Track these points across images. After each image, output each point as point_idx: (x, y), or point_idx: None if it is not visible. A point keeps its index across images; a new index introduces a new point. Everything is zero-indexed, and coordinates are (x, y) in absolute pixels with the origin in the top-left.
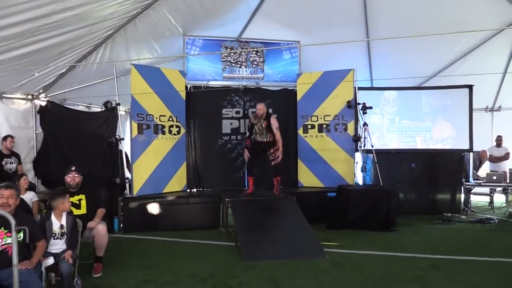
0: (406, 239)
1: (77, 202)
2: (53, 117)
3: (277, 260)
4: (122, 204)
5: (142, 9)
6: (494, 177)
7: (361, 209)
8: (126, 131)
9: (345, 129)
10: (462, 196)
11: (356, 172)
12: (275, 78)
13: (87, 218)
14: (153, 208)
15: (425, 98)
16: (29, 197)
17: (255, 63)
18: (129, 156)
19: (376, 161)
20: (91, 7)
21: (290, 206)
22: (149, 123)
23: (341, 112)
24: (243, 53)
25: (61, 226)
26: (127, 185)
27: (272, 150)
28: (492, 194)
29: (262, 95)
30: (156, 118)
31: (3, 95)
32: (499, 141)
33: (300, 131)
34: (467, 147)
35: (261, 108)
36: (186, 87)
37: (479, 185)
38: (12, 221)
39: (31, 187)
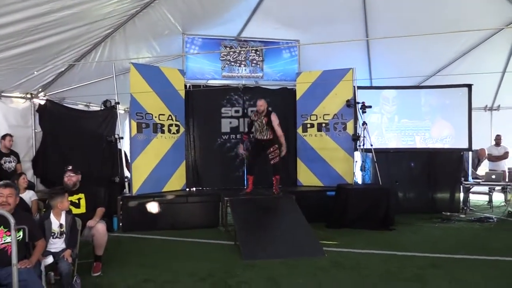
0: (405, 238)
1: (76, 201)
2: (52, 116)
3: (276, 259)
4: (121, 203)
5: (141, 7)
6: (493, 176)
7: (360, 208)
8: (125, 130)
9: (344, 128)
10: (461, 195)
11: (355, 171)
12: (275, 77)
13: (86, 217)
14: (153, 207)
15: (424, 97)
16: (28, 196)
17: (255, 62)
18: (128, 155)
19: (375, 160)
20: (90, 6)
21: (289, 205)
22: (148, 122)
23: (340, 111)
24: (242, 52)
25: (60, 225)
26: (126, 184)
27: (271, 149)
28: (491, 193)
29: (262, 94)
30: (156, 117)
31: (2, 94)
32: (498, 140)
33: (300, 130)
34: (466, 146)
35: (261, 104)
36: (186, 86)
37: (478, 184)
38: (12, 220)
39: (30, 186)
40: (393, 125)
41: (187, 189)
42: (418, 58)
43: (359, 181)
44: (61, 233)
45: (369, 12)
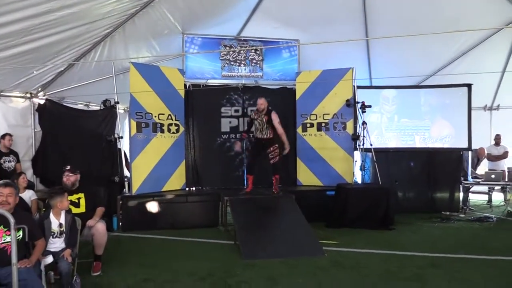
0: (405, 238)
1: (76, 200)
2: (51, 115)
3: (276, 258)
4: (121, 202)
5: (141, 7)
6: (493, 176)
7: (360, 207)
8: (125, 129)
9: (344, 128)
10: (461, 195)
11: (355, 171)
12: (274, 76)
13: (86, 216)
14: (152, 206)
15: (424, 97)
16: (28, 195)
17: (254, 61)
18: (127, 154)
19: (375, 159)
20: (90, 5)
21: (289, 204)
22: (148, 122)
23: (340, 110)
24: (242, 51)
25: (60, 225)
26: (126, 183)
27: (271, 149)
28: (490, 193)
29: (261, 93)
30: (155, 116)
31: (1, 93)
32: (497, 139)
33: (299, 130)
34: (465, 145)
35: (262, 102)
36: (185, 85)
37: (478, 183)
38: (11, 220)
39: (30, 186)
40: (392, 125)
41: (187, 189)
42: (418, 58)
43: (359, 181)
44: (61, 233)
45: (369, 11)
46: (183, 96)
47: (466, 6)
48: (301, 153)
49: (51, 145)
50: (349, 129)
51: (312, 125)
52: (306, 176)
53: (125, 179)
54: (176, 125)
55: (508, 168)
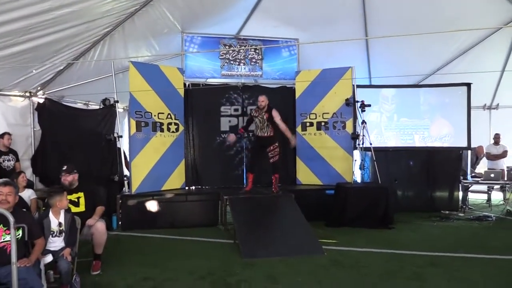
0: (404, 237)
1: (76, 200)
2: (51, 114)
3: (276, 257)
4: (120, 201)
5: (141, 6)
6: (492, 175)
7: (359, 206)
8: (124, 128)
9: (344, 127)
10: (460, 194)
11: (355, 170)
12: (274, 75)
13: (85, 216)
14: (152, 205)
15: (423, 96)
16: (27, 194)
17: (254, 60)
18: (127, 153)
19: (374, 158)
20: (89, 4)
21: (288, 203)
22: (147, 121)
23: (339, 110)
24: (241, 50)
25: (59, 224)
26: (125, 182)
27: (271, 148)
28: (489, 192)
29: (261, 92)
30: (155, 115)
31: (1, 92)
32: (497, 139)
33: (299, 129)
34: (465, 145)
35: (263, 100)
36: (185, 84)
37: (477, 182)
38: (11, 219)
39: (29, 185)
40: (392, 124)
41: (187, 188)
42: (417, 57)
43: (358, 180)
44: (60, 232)
45: (369, 11)
46: (183, 95)
47: (465, 5)
48: (300, 152)
49: (51, 144)
50: (349, 128)
51: (311, 124)
52: (305, 175)
53: (125, 178)
54: (175, 124)
55: (507, 167)
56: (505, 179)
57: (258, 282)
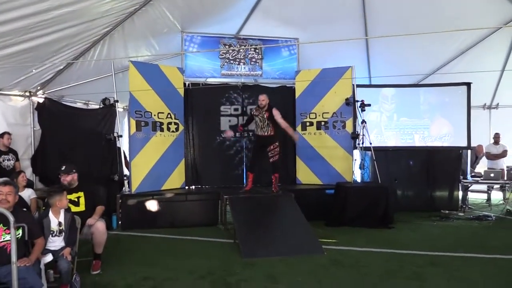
0: (404, 236)
1: (76, 199)
2: (51, 114)
3: (276, 257)
4: (120, 201)
5: (140, 5)
6: (492, 175)
7: (359, 206)
8: (124, 128)
9: (344, 127)
10: (460, 193)
11: (355, 170)
12: (274, 75)
13: (85, 215)
14: (152, 205)
15: (423, 96)
16: (27, 194)
17: (254, 60)
18: (126, 153)
19: (374, 158)
20: (88, 4)
21: (288, 203)
22: (147, 120)
23: (339, 109)
24: (241, 50)
25: (59, 223)
26: (125, 182)
27: (272, 147)
28: (489, 192)
29: (261, 92)
30: (155, 115)
31: (1, 92)
32: (496, 138)
33: (299, 129)
34: (465, 144)
35: (263, 98)
36: (185, 84)
37: (477, 182)
38: (11, 218)
39: (29, 184)
40: (392, 123)
41: (186, 187)
42: (417, 57)
43: (358, 180)
44: (60, 231)
45: (368, 10)
46: (183, 95)
47: (465, 5)
48: (300, 151)
49: (50, 143)
50: (349, 128)
51: (311, 123)
52: (305, 175)
53: (125, 178)
54: (175, 123)
55: (507, 167)
56: (505, 178)
57: (258, 281)
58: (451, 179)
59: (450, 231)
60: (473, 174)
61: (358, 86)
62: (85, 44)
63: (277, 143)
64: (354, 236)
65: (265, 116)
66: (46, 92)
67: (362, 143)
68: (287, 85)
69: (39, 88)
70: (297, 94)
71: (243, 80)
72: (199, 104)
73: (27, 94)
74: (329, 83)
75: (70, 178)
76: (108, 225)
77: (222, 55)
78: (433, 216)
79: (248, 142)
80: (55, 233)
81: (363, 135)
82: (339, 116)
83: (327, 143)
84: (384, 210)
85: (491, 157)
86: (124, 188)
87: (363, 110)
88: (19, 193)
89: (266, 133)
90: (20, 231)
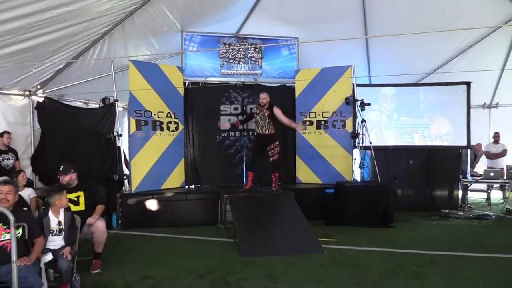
0: (404, 235)
1: (75, 199)
2: (50, 113)
3: (276, 256)
4: (120, 200)
5: (140, 4)
6: (492, 174)
7: (359, 205)
8: (124, 127)
9: (343, 126)
10: (460, 193)
11: (354, 169)
12: (273, 74)
13: (85, 214)
14: (152, 204)
15: (423, 95)
16: (27, 193)
17: (253, 59)
18: (126, 152)
19: (374, 157)
20: (88, 3)
21: (288, 202)
22: (147, 120)
23: (339, 108)
24: (241, 49)
25: (59, 223)
26: (125, 181)
27: (272, 146)
28: (489, 191)
29: (260, 91)
30: (154, 114)
31: (0, 91)
32: (496, 137)
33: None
34: (464, 143)
35: (264, 97)
36: (184, 83)
37: (477, 181)
38: (11, 218)
39: (29, 184)
40: (392, 123)
41: (186, 187)
42: (417, 56)
43: (358, 179)
44: (60, 231)
45: (368, 9)
46: (182, 94)
47: (465, 4)
48: (300, 151)
49: (50, 143)
50: (348, 127)
51: (311, 123)
52: (305, 174)
53: (124, 177)
54: (175, 123)
55: (507, 166)
56: (505, 178)
57: (258, 281)
58: (451, 178)
59: (450, 230)
60: (471, 173)
61: (358, 85)
62: (85, 43)
63: (277, 142)
64: (354, 235)
65: (265, 115)
66: (45, 92)
67: (362, 142)
68: (287, 84)
69: (38, 87)
70: (297, 93)
71: (243, 79)
72: (199, 103)
73: (27, 93)
74: (329, 82)
75: (68, 178)
76: (108, 224)
77: (222, 54)
78: (433, 215)
79: (248, 141)
80: (55, 232)
81: (363, 134)
82: (339, 115)
83: (327, 142)
84: (384, 209)
85: (491, 156)
86: (124, 187)
87: (363, 109)
88: (19, 193)
89: (266, 132)
90: (20, 230)
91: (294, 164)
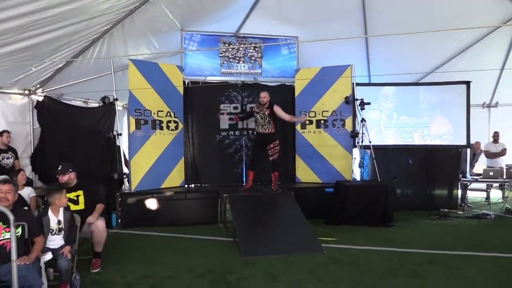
0: (404, 235)
1: (75, 198)
2: (50, 112)
3: (275, 255)
4: (120, 199)
5: (140, 3)
6: (491, 173)
7: (359, 204)
8: (123, 126)
9: (343, 125)
10: (459, 192)
11: (354, 168)
12: (273, 73)
13: (85, 214)
14: (151, 203)
15: (423, 94)
16: (27, 192)
17: (253, 58)
18: (126, 151)
19: (373, 156)
20: (88, 2)
21: (288, 201)
22: (147, 119)
23: (339, 108)
24: (241, 48)
25: (59, 222)
26: (125, 180)
27: (272, 145)
28: (488, 190)
29: (260, 90)
30: (154, 113)
31: (0, 90)
32: (496, 137)
33: (298, 127)
34: (464, 143)
35: (265, 96)
36: (184, 82)
37: (476, 180)
38: (11, 217)
39: (29, 183)
40: (391, 122)
41: (186, 186)
42: (417, 55)
43: (358, 178)
44: (60, 230)
45: (368, 9)
46: (182, 93)
47: (465, 4)
48: (300, 150)
49: (50, 142)
50: (348, 126)
51: (311, 122)
52: (305, 173)
53: (124, 176)
54: (175, 122)
55: (506, 165)
56: (504, 177)
57: (257, 280)
58: (450, 178)
59: (450, 229)
60: (470, 173)
61: (357, 84)
62: (85, 42)
63: (277, 142)
64: (354, 234)
65: (266, 114)
66: (45, 91)
67: (362, 142)
68: (287, 84)
69: (38, 86)
70: (297, 92)
71: (243, 78)
72: (199, 102)
73: (27, 92)
74: (328, 82)
75: (67, 178)
76: (107, 224)
77: (222, 54)
78: (433, 215)
79: (248, 141)
80: (54, 231)
81: (363, 133)
82: (338, 114)
83: (326, 142)
84: (384, 208)
85: (490, 155)
86: (123, 186)
87: (362, 109)
88: (19, 192)
89: (267, 131)
90: (20, 230)
91: (293, 164)
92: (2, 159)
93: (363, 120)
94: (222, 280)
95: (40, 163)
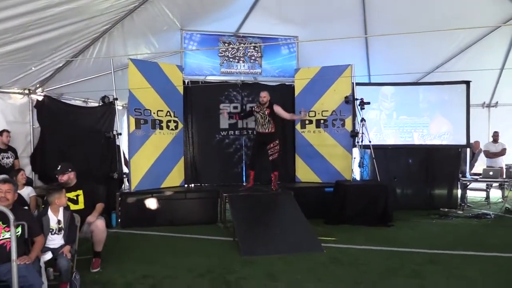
0: (404, 234)
1: (75, 197)
2: (50, 112)
3: (275, 255)
4: (120, 199)
5: (140, 3)
6: (491, 173)
7: (358, 204)
8: (123, 126)
9: (343, 125)
10: (459, 192)
11: (354, 168)
12: (273, 73)
13: (85, 213)
14: (151, 203)
15: (422, 94)
16: (27, 192)
17: (253, 58)
18: (126, 151)
19: (373, 156)
20: (88, 1)
21: (288, 201)
22: (146, 118)
23: (339, 107)
24: (241, 48)
25: (58, 221)
26: (125, 180)
27: (271, 145)
28: (488, 190)
29: (260, 90)
30: (154, 113)
31: (0, 90)
32: (495, 137)
33: (298, 127)
34: (464, 142)
35: (265, 95)
36: (184, 82)
37: (476, 180)
38: (11, 216)
39: (29, 182)
40: (391, 122)
41: (186, 185)
42: (417, 55)
43: (358, 178)
44: (59, 229)
45: (368, 8)
46: (182, 93)
47: (465, 4)
48: (299, 150)
49: (50, 141)
50: (348, 126)
51: (311, 121)
52: (304, 173)
53: (124, 176)
54: (175, 121)
55: (506, 165)
56: (504, 177)
57: (257, 279)
58: (450, 177)
59: (449, 229)
60: (470, 173)
61: (357, 84)
62: (84, 41)
63: (277, 141)
64: (353, 234)
65: (266, 113)
66: (45, 90)
67: (362, 141)
68: (287, 83)
69: (38, 86)
70: (297, 92)
71: (243, 78)
72: (199, 102)
73: (26, 92)
74: (328, 81)
75: (66, 178)
76: (107, 223)
77: (222, 53)
78: (432, 214)
79: (248, 140)
80: (54, 231)
81: (363, 133)
82: (338, 114)
83: (326, 141)
84: (383, 208)
85: (490, 155)
86: (123, 186)
87: (362, 108)
88: (19, 191)
89: (267, 130)
90: (20, 229)
91: (293, 163)
92: (2, 158)
93: (363, 119)
94: (221, 280)
95: (40, 163)
